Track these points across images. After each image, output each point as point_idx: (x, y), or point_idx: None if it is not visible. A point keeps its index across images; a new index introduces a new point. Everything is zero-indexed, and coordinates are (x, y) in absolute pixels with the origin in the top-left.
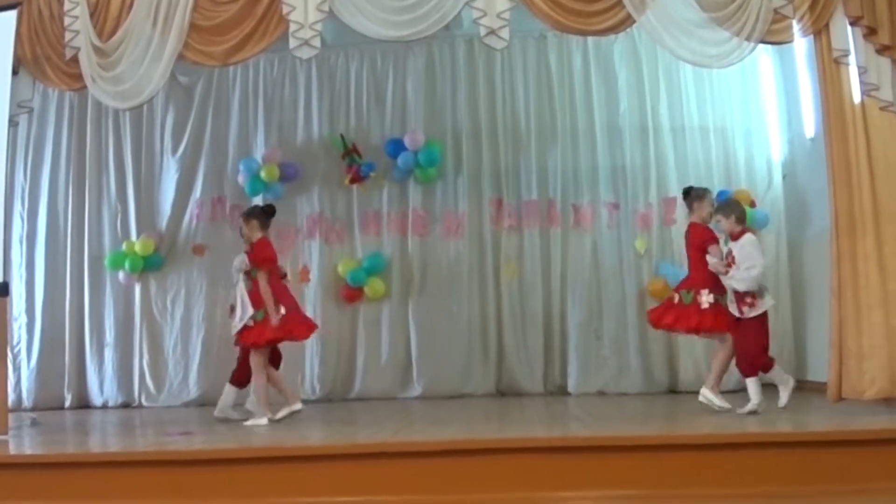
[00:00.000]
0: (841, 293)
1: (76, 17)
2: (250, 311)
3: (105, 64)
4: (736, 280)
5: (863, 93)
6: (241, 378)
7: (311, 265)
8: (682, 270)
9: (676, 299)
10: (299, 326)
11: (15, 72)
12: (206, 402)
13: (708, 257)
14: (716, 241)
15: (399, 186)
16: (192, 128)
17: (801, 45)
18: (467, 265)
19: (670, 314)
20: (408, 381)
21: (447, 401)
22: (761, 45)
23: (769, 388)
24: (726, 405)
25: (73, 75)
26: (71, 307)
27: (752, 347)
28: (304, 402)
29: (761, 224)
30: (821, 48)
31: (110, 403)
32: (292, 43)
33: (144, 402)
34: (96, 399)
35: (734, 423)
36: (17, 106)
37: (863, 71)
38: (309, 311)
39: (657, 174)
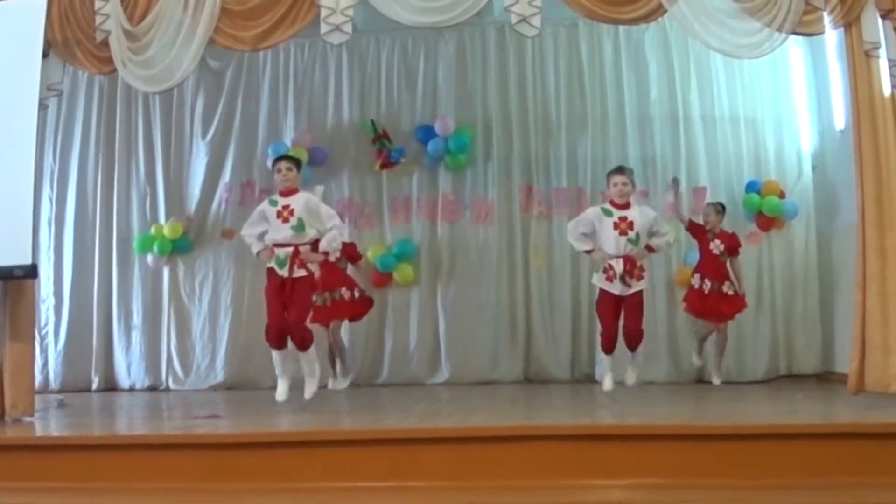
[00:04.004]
0: (867, 286)
1: (106, 1)
2: None
3: (135, 48)
4: None
5: (893, 86)
6: None
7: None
8: None
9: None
10: None
11: (45, 55)
12: (233, 385)
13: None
14: None
15: (429, 172)
16: (221, 112)
17: (832, 36)
18: (496, 252)
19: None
20: (435, 366)
21: (474, 387)
22: (792, 37)
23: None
24: None
25: (103, 59)
26: (99, 290)
27: None
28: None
29: (790, 215)
30: (851, 40)
31: (137, 386)
32: (323, 28)
33: (171, 386)
34: (123, 382)
35: (760, 413)
36: (47, 89)
37: (893, 64)
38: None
39: (687, 163)
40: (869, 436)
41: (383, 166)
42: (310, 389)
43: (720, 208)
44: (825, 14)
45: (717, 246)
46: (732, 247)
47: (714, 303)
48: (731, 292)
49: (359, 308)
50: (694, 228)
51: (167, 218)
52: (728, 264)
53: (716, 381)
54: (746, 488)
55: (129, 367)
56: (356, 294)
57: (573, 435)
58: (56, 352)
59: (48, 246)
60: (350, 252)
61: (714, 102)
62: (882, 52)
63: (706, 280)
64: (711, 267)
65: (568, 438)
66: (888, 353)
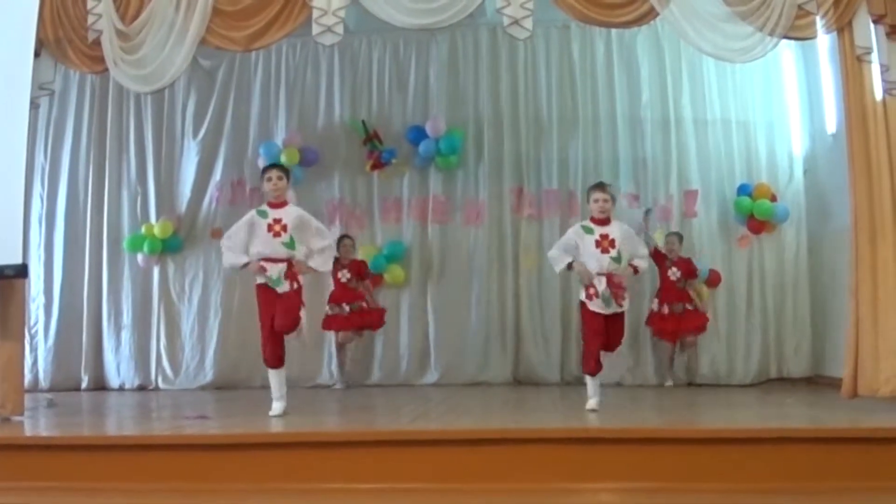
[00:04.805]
0: (859, 292)
1: (99, 1)
2: None
3: (127, 47)
4: None
5: (884, 91)
6: None
7: None
8: (702, 263)
9: None
10: None
11: (37, 54)
12: (222, 385)
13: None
14: None
15: (420, 173)
16: (213, 111)
17: (824, 40)
18: (486, 253)
19: None
20: (425, 368)
21: (464, 388)
22: (784, 40)
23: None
24: None
25: (95, 58)
26: (89, 288)
27: None
28: (322, 387)
29: (781, 218)
30: (843, 45)
31: (127, 385)
32: (315, 29)
33: (161, 385)
34: (113, 381)
35: (751, 417)
36: (39, 88)
37: (885, 69)
38: (327, 297)
39: (678, 166)
40: (858, 440)
41: (374, 167)
42: (275, 411)
43: (680, 237)
44: (817, 18)
45: (674, 273)
46: (689, 271)
47: (675, 324)
48: (690, 308)
49: (375, 317)
50: (656, 256)
51: (157, 217)
52: (687, 287)
53: (696, 379)
54: (736, 492)
55: (118, 367)
56: (372, 304)
57: (562, 438)
58: (45, 350)
59: (38, 244)
60: (359, 270)
61: (706, 105)
62: (874, 56)
63: (665, 304)
64: (670, 292)
65: (557, 441)
66: (878, 358)
